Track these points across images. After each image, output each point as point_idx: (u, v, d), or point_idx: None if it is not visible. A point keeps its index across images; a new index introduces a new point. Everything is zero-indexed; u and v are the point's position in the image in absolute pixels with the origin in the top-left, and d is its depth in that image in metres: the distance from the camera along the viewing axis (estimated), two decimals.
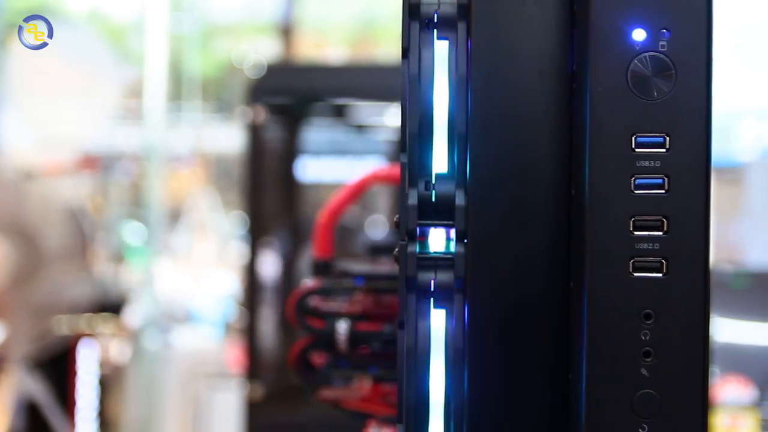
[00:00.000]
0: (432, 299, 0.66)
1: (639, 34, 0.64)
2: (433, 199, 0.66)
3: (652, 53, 0.64)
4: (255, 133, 2.56)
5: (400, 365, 0.65)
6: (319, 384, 1.04)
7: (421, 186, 0.66)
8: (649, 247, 0.64)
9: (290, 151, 2.79)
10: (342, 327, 0.99)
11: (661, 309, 0.64)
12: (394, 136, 2.78)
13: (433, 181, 0.66)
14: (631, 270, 0.64)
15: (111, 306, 3.27)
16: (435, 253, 0.67)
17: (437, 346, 0.66)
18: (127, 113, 4.48)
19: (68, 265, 2.97)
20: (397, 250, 0.66)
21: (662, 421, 0.64)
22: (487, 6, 0.67)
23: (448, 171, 0.67)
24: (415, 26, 0.66)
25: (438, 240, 0.68)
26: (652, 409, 0.64)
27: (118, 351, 3.45)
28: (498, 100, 0.67)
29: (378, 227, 3.44)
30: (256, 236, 2.58)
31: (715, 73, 0.65)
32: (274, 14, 5.67)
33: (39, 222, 2.84)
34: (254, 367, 2.52)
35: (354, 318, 1.00)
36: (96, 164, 3.56)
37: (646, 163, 0.64)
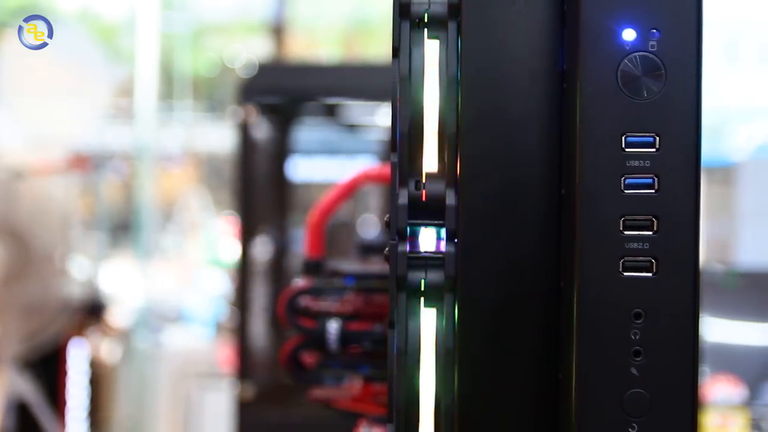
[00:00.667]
0: (422, 298, 0.66)
1: (629, 34, 0.64)
2: (424, 199, 0.66)
3: (642, 53, 0.64)
4: (246, 132, 2.56)
5: (390, 364, 0.65)
6: (310, 383, 1.04)
7: (412, 185, 0.66)
8: (639, 247, 0.64)
9: (282, 151, 2.79)
10: (333, 326, 0.99)
11: (651, 308, 0.64)
12: (386, 136, 2.78)
13: (424, 181, 0.66)
14: (621, 269, 0.64)
15: (101, 305, 3.26)
16: (425, 252, 0.67)
17: (427, 346, 0.66)
18: (118, 112, 4.47)
19: (58, 265, 2.96)
20: (387, 249, 0.66)
21: (652, 420, 0.64)
22: (477, 5, 0.67)
23: (438, 170, 0.67)
24: (406, 25, 0.66)
25: (428, 239, 0.68)
26: (642, 409, 0.64)
27: (109, 350, 3.45)
28: (488, 100, 0.67)
29: (370, 226, 3.44)
30: (247, 236, 2.58)
31: (706, 73, 0.65)
32: (265, 13, 5.67)
33: (29, 221, 2.83)
34: (245, 366, 2.51)
35: (345, 317, 1.00)
36: (87, 164, 3.54)
37: (636, 163, 0.64)
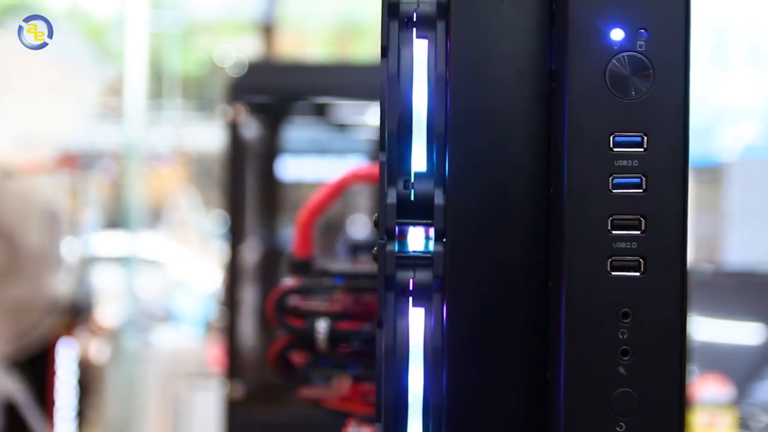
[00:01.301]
0: (411, 298, 0.66)
1: (617, 34, 0.64)
2: (412, 198, 0.66)
3: (630, 53, 0.64)
4: (236, 131, 2.56)
5: (379, 364, 0.65)
6: (299, 383, 1.04)
7: (400, 185, 0.66)
8: (627, 246, 0.64)
9: (271, 150, 2.78)
10: (321, 326, 0.99)
11: (639, 308, 0.64)
12: (375, 135, 2.78)
13: (412, 180, 0.66)
14: (608, 269, 0.64)
15: (89, 305, 3.25)
16: (414, 252, 0.67)
17: (416, 345, 0.66)
18: (108, 111, 4.46)
19: (47, 265, 2.95)
20: (375, 248, 0.66)
21: (640, 419, 0.64)
22: (466, 5, 0.67)
23: (427, 170, 0.67)
24: (395, 25, 0.66)
25: (417, 239, 0.68)
26: (629, 408, 0.64)
27: (98, 350, 3.44)
28: (477, 99, 0.67)
29: (359, 226, 3.44)
30: (236, 235, 2.58)
31: (694, 73, 0.65)
32: (255, 13, 5.66)
33: (17, 221, 2.82)
34: (234, 366, 2.51)
35: (333, 317, 1.00)
36: (76, 163, 3.53)
37: (624, 163, 0.64)
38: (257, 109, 2.62)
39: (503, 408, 0.67)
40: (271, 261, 2.73)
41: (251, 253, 2.67)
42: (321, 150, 3.39)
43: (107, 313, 3.59)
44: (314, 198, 1.12)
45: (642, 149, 0.64)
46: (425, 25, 0.67)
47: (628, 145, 0.64)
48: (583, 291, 0.64)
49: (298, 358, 1.03)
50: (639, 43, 0.64)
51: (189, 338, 4.20)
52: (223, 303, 2.97)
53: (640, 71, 0.64)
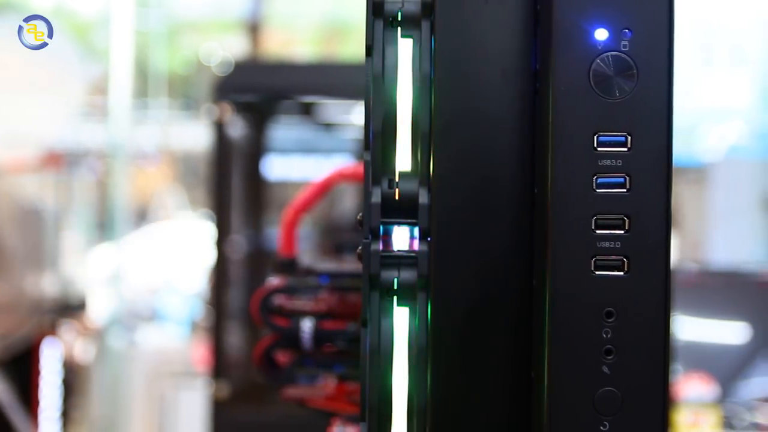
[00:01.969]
0: (395, 297, 0.66)
1: (601, 34, 0.65)
2: (397, 198, 0.66)
3: (614, 53, 0.65)
4: (222, 130, 2.55)
5: (363, 363, 0.65)
6: (284, 382, 1.04)
7: (385, 184, 0.66)
8: (611, 246, 0.64)
9: (257, 149, 2.78)
10: (307, 325, 0.99)
11: (623, 307, 0.64)
12: (361, 135, 2.78)
13: (397, 180, 0.66)
14: (592, 268, 0.64)
15: (74, 304, 3.24)
16: (398, 251, 0.67)
17: (400, 344, 0.66)
18: (93, 110, 4.44)
19: (31, 264, 2.94)
20: (360, 248, 0.66)
21: (623, 418, 0.64)
22: (450, 5, 0.67)
23: (411, 169, 0.67)
24: (379, 24, 0.66)
25: (401, 238, 0.68)
26: (613, 407, 0.64)
27: (82, 350, 3.42)
28: (461, 99, 0.67)
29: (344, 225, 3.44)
30: (222, 234, 2.57)
31: (678, 73, 0.65)
32: (241, 11, 5.65)
33: (2, 220, 2.80)
34: (220, 365, 2.51)
35: (319, 316, 1.00)
36: (60, 162, 3.52)
37: (608, 162, 0.64)
38: (243, 108, 2.62)
39: (487, 407, 0.67)
40: (257, 260, 2.73)
41: (237, 252, 2.67)
42: (307, 149, 3.38)
43: (92, 312, 3.57)
44: (300, 197, 1.12)
45: (626, 149, 0.64)
46: (410, 25, 0.67)
47: (612, 144, 0.64)
48: (567, 290, 0.64)
49: (283, 357, 1.03)
50: (623, 43, 0.64)
51: (174, 338, 4.19)
52: (208, 302, 2.96)
53: (624, 71, 0.64)
